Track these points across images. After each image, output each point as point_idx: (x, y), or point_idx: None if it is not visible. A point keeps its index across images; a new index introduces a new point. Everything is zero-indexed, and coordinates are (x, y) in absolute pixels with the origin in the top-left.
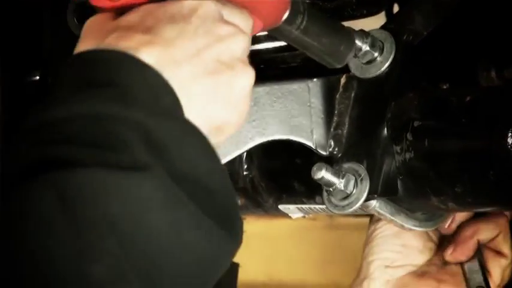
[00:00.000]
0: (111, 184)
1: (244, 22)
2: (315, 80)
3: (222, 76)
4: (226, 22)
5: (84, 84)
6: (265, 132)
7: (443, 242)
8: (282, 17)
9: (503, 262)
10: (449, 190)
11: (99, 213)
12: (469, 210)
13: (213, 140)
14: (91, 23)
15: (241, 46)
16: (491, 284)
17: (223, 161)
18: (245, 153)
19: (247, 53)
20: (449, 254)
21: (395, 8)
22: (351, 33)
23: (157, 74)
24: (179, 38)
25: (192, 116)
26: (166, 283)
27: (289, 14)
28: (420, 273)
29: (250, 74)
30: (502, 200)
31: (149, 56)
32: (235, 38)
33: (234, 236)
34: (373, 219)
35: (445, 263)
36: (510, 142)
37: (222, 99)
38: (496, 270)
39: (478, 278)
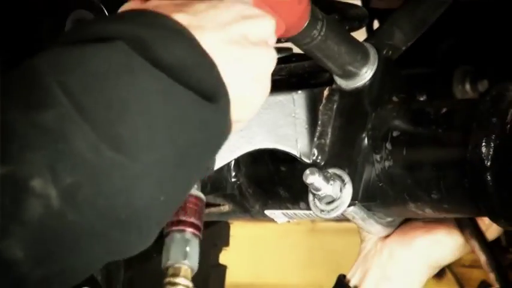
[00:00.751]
0: (66, 54)
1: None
2: (299, 92)
3: (246, 50)
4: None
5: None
6: (252, 141)
7: None
8: (304, 22)
9: None
10: (426, 196)
11: (50, 77)
12: (445, 215)
13: (235, 115)
14: (125, 7)
15: (266, 28)
16: (481, 223)
17: (215, 168)
18: (233, 161)
19: (273, 38)
20: None
21: (376, 24)
22: (364, 45)
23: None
24: (209, 10)
25: None
26: (127, 133)
27: (310, 20)
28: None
29: (273, 55)
30: (476, 206)
31: (179, 20)
32: (262, 20)
33: (221, 108)
34: None
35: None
36: (484, 151)
37: (245, 73)
38: None
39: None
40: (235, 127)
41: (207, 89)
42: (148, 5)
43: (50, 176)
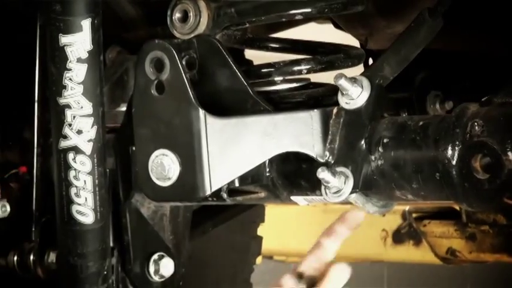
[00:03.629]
0: None
1: None
2: (315, 110)
3: None
4: None
5: None
6: (281, 145)
7: None
8: None
9: None
10: (408, 186)
11: None
12: (422, 200)
13: None
14: None
15: None
16: None
17: (254, 166)
18: (267, 160)
19: None
20: None
21: (370, 61)
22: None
23: None
24: None
25: None
26: None
27: None
28: None
29: None
30: (445, 194)
31: None
32: None
33: None
34: None
35: None
36: (450, 153)
37: None
38: None
39: None
40: None
41: None
42: None
43: None
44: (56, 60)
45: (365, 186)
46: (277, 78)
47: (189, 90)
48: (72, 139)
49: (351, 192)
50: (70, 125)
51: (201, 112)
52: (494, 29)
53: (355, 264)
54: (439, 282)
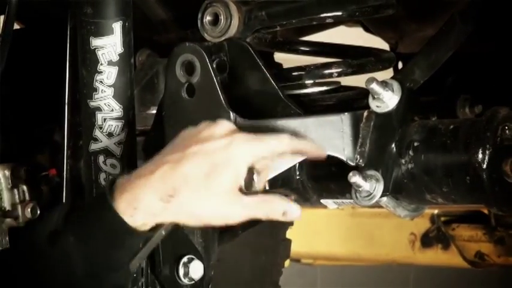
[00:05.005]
0: None
1: None
2: (346, 113)
3: None
4: None
5: None
6: None
7: None
8: None
9: None
10: (438, 190)
11: None
12: (452, 204)
13: None
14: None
15: None
16: None
17: (283, 169)
18: (297, 164)
19: None
20: None
21: (399, 65)
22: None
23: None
24: None
25: None
26: None
27: None
28: None
29: None
30: (475, 197)
31: None
32: None
33: None
34: None
35: None
36: (481, 157)
37: None
38: None
39: None
40: None
41: None
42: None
43: None
44: (87, 62)
45: (395, 190)
46: (308, 82)
47: (220, 93)
48: (102, 142)
49: (382, 196)
50: (101, 127)
51: (232, 115)
52: None
53: (382, 267)
54: (465, 285)
